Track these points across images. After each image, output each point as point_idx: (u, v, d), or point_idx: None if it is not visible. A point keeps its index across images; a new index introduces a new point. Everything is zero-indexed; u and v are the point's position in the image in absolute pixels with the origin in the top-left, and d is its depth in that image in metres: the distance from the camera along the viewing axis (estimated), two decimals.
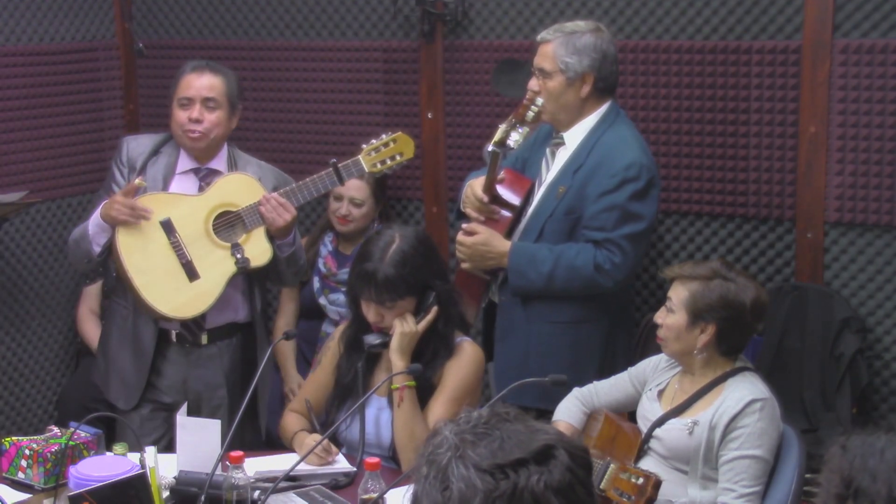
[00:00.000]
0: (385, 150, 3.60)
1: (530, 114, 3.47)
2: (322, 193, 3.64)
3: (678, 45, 3.93)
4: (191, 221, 3.48)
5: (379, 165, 3.59)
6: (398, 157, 3.61)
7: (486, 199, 3.55)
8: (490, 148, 3.49)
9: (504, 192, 3.58)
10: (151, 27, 4.87)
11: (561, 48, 3.44)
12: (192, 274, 3.47)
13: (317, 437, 3.03)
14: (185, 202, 3.51)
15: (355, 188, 4.24)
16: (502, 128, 3.48)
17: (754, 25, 3.83)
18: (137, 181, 3.45)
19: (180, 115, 3.56)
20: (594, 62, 3.44)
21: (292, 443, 3.14)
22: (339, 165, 3.54)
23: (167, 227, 3.46)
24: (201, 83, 3.57)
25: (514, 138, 3.47)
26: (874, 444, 1.79)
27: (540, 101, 3.47)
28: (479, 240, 3.54)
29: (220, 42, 4.75)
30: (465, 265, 3.61)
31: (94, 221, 3.49)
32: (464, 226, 3.60)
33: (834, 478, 1.80)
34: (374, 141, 3.60)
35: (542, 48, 3.50)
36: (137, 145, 3.65)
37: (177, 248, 3.46)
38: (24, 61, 4.46)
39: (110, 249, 3.48)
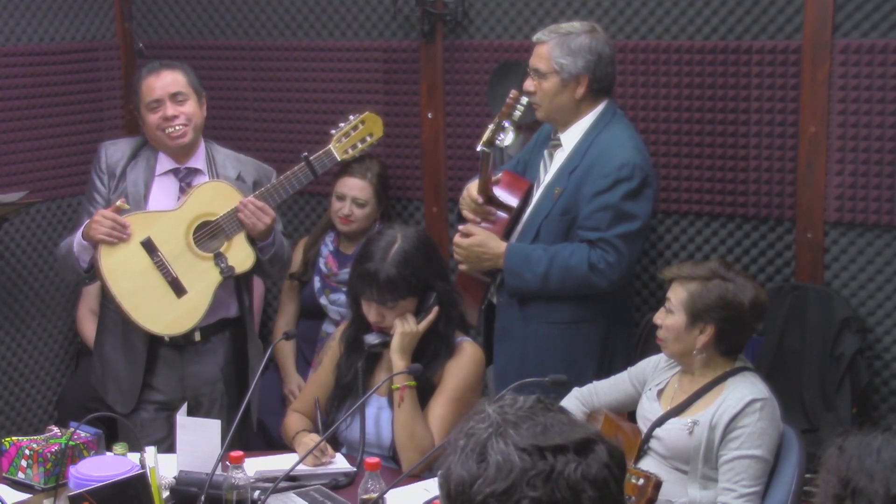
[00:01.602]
0: (355, 134, 3.61)
1: (517, 113, 3.48)
2: (298, 189, 3.63)
3: (678, 45, 3.93)
4: (171, 237, 3.46)
5: (350, 150, 3.62)
6: (368, 139, 3.64)
7: (480, 200, 3.55)
8: (479, 148, 3.50)
9: (501, 193, 3.58)
10: (151, 27, 4.87)
11: (556, 49, 3.44)
12: (179, 290, 3.46)
13: (316, 437, 3.03)
14: (162, 219, 3.49)
15: (358, 188, 4.24)
16: (490, 128, 3.49)
17: (754, 25, 3.82)
18: (119, 203, 3.45)
19: (153, 119, 3.54)
20: (589, 63, 3.44)
21: (293, 443, 3.14)
22: (311, 158, 3.56)
23: (148, 246, 3.44)
24: (163, 82, 3.56)
25: (502, 137, 3.48)
26: (871, 443, 1.79)
27: (525, 99, 3.48)
28: (474, 241, 3.54)
29: (220, 42, 4.75)
30: (462, 267, 3.61)
31: (78, 241, 3.48)
32: (460, 228, 3.61)
33: (831, 478, 1.80)
34: (342, 125, 3.61)
35: (537, 49, 3.50)
36: (115, 151, 3.63)
37: (161, 266, 3.45)
38: (24, 61, 4.46)
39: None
